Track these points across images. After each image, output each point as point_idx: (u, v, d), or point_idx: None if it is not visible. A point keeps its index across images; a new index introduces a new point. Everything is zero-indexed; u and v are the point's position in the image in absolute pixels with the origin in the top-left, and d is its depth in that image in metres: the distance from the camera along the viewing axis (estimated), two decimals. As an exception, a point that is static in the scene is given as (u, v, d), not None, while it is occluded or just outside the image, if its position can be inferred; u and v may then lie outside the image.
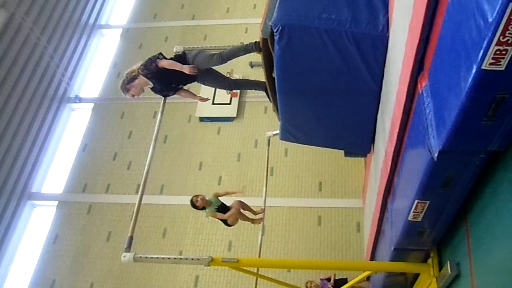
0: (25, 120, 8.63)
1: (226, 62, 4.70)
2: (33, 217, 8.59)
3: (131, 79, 4.59)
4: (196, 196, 5.33)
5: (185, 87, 4.94)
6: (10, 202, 8.16)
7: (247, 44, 4.60)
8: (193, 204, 5.32)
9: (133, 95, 4.64)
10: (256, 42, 4.50)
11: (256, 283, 5.44)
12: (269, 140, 6.30)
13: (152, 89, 4.72)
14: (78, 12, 10.39)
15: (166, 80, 4.67)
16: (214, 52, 4.68)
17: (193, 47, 5.23)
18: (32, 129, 8.76)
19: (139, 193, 4.24)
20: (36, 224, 8.48)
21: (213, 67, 4.89)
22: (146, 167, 4.39)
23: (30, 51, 8.95)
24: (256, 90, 5.37)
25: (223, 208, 5.43)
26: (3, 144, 8.17)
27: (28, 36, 8.93)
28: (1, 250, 7.88)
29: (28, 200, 8.54)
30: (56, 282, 7.60)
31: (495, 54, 1.72)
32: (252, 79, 5.57)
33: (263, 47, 4.29)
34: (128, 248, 3.88)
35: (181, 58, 4.66)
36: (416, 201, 2.95)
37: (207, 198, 5.33)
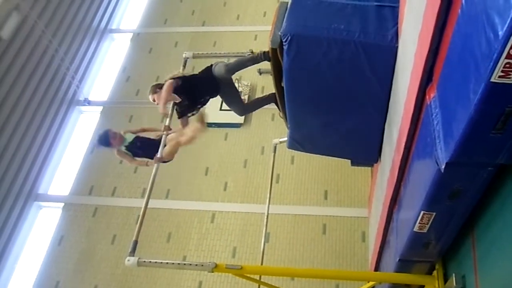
0: (34, 122, 8.69)
1: (233, 73, 4.76)
2: (39, 218, 8.63)
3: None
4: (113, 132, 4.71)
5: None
6: (17, 202, 8.20)
7: (255, 55, 4.63)
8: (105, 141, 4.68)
9: (154, 101, 4.68)
10: (264, 52, 4.53)
11: (259, 291, 5.42)
12: (275, 147, 6.30)
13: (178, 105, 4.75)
14: (90, 16, 10.48)
15: (193, 94, 4.76)
16: (226, 63, 4.74)
17: (202, 53, 5.30)
18: (41, 130, 8.83)
19: (145, 197, 4.26)
20: (42, 225, 8.51)
21: (237, 89, 4.98)
22: (153, 172, 4.41)
23: (41, 53, 9.04)
24: (267, 104, 5.42)
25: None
26: (12, 144, 8.23)
27: (40, 38, 9.02)
28: (7, 250, 7.91)
29: (34, 201, 8.58)
30: (60, 284, 7.61)
31: (504, 67, 1.72)
32: (259, 97, 5.65)
33: (272, 56, 4.32)
34: (133, 252, 3.89)
35: (208, 68, 4.80)
36: (422, 212, 2.94)
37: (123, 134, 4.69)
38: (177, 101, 4.69)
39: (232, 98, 5.18)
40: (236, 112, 5.46)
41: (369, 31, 3.80)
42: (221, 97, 5.14)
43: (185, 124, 4.84)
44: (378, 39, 3.77)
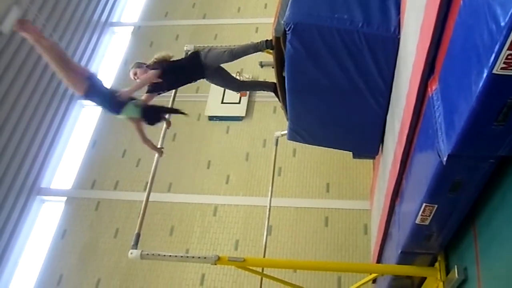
0: (35, 116, 8.70)
1: (236, 59, 4.76)
2: (42, 212, 8.67)
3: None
4: None
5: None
6: (19, 197, 8.23)
7: (257, 42, 4.64)
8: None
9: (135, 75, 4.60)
10: (266, 40, 4.53)
11: (261, 283, 5.44)
12: (277, 140, 6.30)
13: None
14: (90, 9, 10.46)
15: (174, 81, 4.76)
16: (225, 49, 4.73)
17: (203, 46, 5.28)
18: (43, 124, 8.84)
19: (147, 190, 4.28)
20: (45, 220, 8.55)
21: (224, 68, 4.95)
22: (153, 165, 4.42)
23: (42, 47, 9.02)
24: (263, 91, 5.42)
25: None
26: (14, 139, 8.24)
27: (41, 32, 8.99)
28: (10, 244, 7.95)
29: (37, 195, 8.61)
30: (64, 277, 7.66)
31: (507, 58, 1.70)
32: (260, 80, 5.60)
33: (276, 45, 4.31)
34: (135, 245, 3.91)
35: (195, 55, 4.77)
36: (424, 204, 2.94)
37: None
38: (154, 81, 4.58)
39: (224, 80, 5.18)
40: (232, 90, 5.50)
41: (372, 21, 3.78)
42: (211, 82, 5.13)
43: (147, 100, 4.66)
44: (381, 29, 3.75)
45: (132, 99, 4.23)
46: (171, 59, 4.77)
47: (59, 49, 4.04)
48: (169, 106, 4.78)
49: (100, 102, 4.18)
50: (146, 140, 4.45)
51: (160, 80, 4.50)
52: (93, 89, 3.97)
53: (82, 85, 3.91)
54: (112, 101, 4.11)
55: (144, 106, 4.30)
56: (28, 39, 3.86)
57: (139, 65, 4.63)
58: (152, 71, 4.48)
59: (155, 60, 4.71)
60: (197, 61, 4.72)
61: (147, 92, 4.71)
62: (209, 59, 4.72)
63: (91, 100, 4.18)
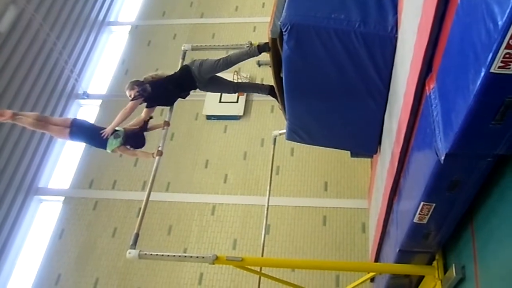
0: (33, 115, 8.68)
1: (231, 67, 4.74)
2: (40, 212, 8.65)
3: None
4: None
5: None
6: (17, 196, 8.21)
7: (250, 49, 4.61)
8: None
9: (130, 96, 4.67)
10: (258, 45, 4.51)
11: (259, 282, 5.44)
12: (275, 139, 6.30)
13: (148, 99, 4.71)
14: (88, 8, 10.44)
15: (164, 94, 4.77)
16: (219, 58, 4.69)
17: (201, 46, 5.27)
18: (40, 124, 8.82)
19: (147, 191, 4.26)
20: (43, 219, 8.54)
21: (216, 74, 4.92)
22: (154, 166, 4.41)
23: (39, 47, 9.00)
24: (259, 93, 5.41)
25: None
26: (12, 138, 8.22)
27: (38, 32, 8.98)
28: (8, 244, 7.94)
29: (35, 195, 8.60)
30: (62, 277, 7.65)
31: (504, 57, 1.71)
32: (256, 82, 5.55)
33: (272, 46, 4.30)
34: (134, 245, 3.90)
35: (185, 71, 4.73)
36: (422, 203, 2.94)
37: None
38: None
39: (219, 86, 5.16)
40: (229, 93, 5.50)
41: (369, 21, 3.78)
42: (205, 91, 5.11)
43: (147, 115, 4.83)
44: (378, 29, 3.75)
45: (115, 130, 4.60)
46: (165, 76, 4.78)
47: (35, 116, 4.61)
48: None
49: (86, 142, 4.87)
50: (138, 154, 4.82)
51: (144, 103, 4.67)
52: (75, 134, 4.59)
53: (64, 133, 4.59)
54: (96, 140, 4.60)
55: (126, 133, 4.65)
56: (5, 121, 4.50)
57: (132, 86, 4.66)
58: (131, 102, 4.58)
59: (149, 79, 4.73)
60: (188, 75, 4.68)
61: (146, 107, 4.78)
62: (203, 72, 4.68)
63: (77, 141, 4.89)
